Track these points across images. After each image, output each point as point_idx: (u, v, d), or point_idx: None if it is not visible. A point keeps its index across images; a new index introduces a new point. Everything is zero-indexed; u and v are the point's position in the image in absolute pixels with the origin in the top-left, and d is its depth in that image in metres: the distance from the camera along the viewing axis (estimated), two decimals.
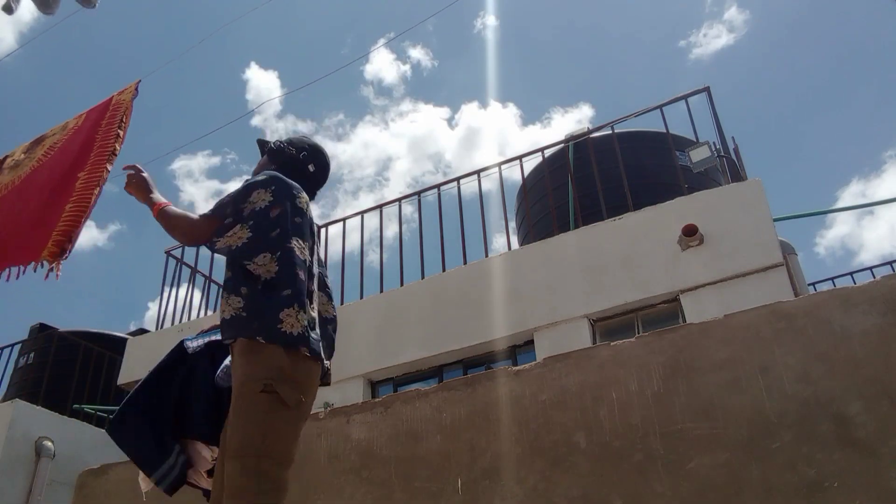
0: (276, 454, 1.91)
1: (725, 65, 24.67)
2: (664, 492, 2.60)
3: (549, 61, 27.34)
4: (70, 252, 2.44)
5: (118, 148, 2.66)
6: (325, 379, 2.21)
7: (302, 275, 2.00)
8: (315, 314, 2.09)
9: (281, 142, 2.33)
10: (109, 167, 2.61)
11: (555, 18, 24.99)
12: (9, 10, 5.27)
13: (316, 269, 2.18)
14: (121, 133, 2.71)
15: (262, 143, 2.40)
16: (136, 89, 2.86)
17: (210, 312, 7.12)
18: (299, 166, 2.29)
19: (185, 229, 2.03)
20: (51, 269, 2.48)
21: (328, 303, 2.28)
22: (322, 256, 2.35)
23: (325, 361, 2.08)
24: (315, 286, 2.14)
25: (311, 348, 1.98)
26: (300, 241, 2.05)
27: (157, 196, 2.14)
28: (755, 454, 2.52)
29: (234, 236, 2.00)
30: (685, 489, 2.57)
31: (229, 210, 2.03)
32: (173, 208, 2.09)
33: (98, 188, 2.52)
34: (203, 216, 2.04)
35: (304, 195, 2.20)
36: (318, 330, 2.09)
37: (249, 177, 2.17)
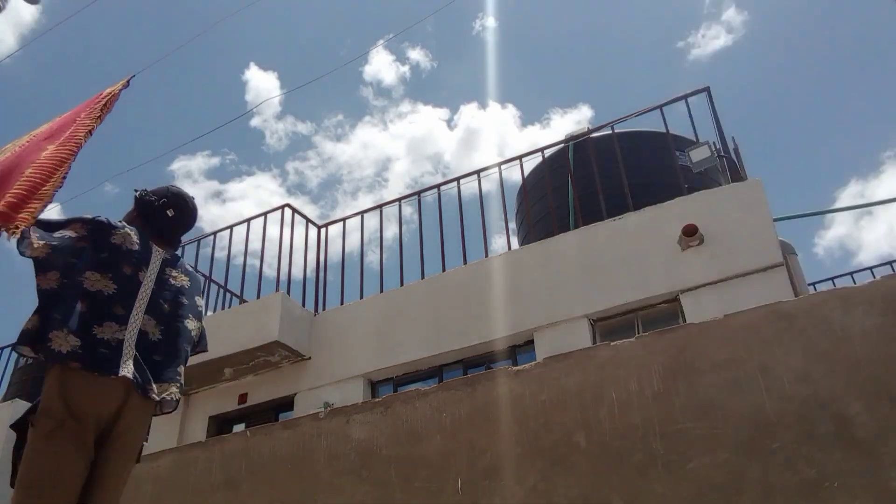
0: (35, 486, 2.02)
1: (724, 66, 24.65)
2: (664, 492, 2.60)
3: (549, 62, 27.30)
4: (29, 220, 2.30)
5: (95, 126, 2.62)
6: (146, 395, 2.24)
7: (81, 306, 2.17)
8: (122, 336, 2.22)
9: (145, 190, 2.61)
10: (84, 141, 2.56)
11: (553, 20, 24.96)
12: None
13: (143, 293, 2.36)
14: (101, 113, 2.68)
15: (135, 192, 2.66)
16: (129, 82, 2.85)
17: (209, 312, 7.12)
18: (158, 212, 2.58)
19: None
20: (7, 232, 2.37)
21: (156, 326, 2.38)
22: (174, 280, 2.55)
23: (122, 373, 2.16)
24: (129, 311, 2.29)
25: (85, 362, 2.09)
26: (98, 274, 2.26)
27: None
28: (755, 454, 2.52)
29: (38, 249, 2.20)
30: (685, 489, 2.57)
31: (39, 227, 2.24)
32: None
33: (68, 162, 2.47)
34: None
35: (125, 232, 2.41)
36: (126, 350, 2.21)
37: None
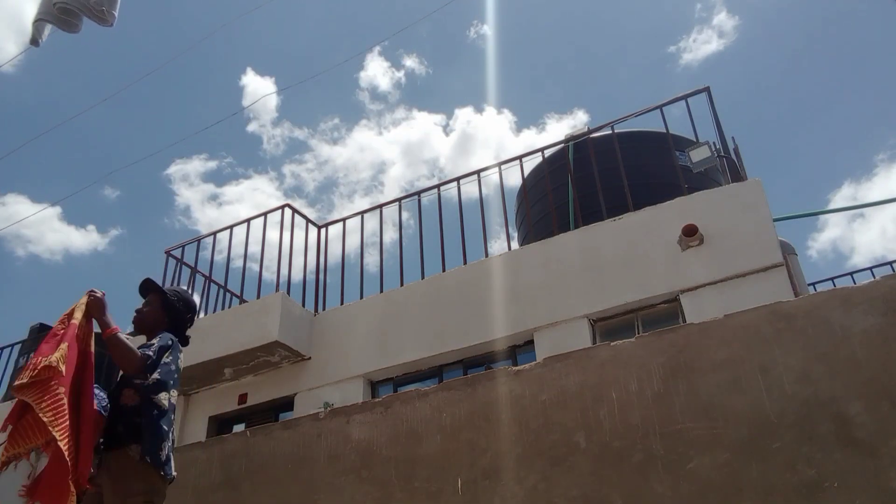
0: None
1: (716, 70, 24.69)
2: (664, 492, 2.60)
3: (544, 68, 27.31)
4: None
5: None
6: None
7: (171, 416, 2.77)
8: (171, 438, 2.79)
9: (175, 300, 3.03)
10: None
11: (548, 25, 24.98)
12: (35, 43, 5.26)
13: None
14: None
15: (153, 287, 3.05)
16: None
17: (209, 313, 7.12)
18: (184, 319, 3.06)
19: (135, 361, 2.67)
20: None
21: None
22: None
23: (173, 473, 2.75)
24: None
25: (164, 471, 2.66)
26: (175, 391, 2.82)
27: (110, 320, 2.76)
28: (755, 454, 2.52)
29: (152, 379, 2.73)
30: (685, 489, 2.57)
31: (150, 362, 2.72)
32: (124, 336, 2.69)
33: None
34: (143, 357, 2.70)
35: (182, 355, 2.93)
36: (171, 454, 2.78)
37: (165, 336, 2.86)
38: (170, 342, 2.84)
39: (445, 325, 5.74)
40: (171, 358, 2.80)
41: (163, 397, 2.72)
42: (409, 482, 3.10)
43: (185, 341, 3.04)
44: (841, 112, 22.81)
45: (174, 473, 2.74)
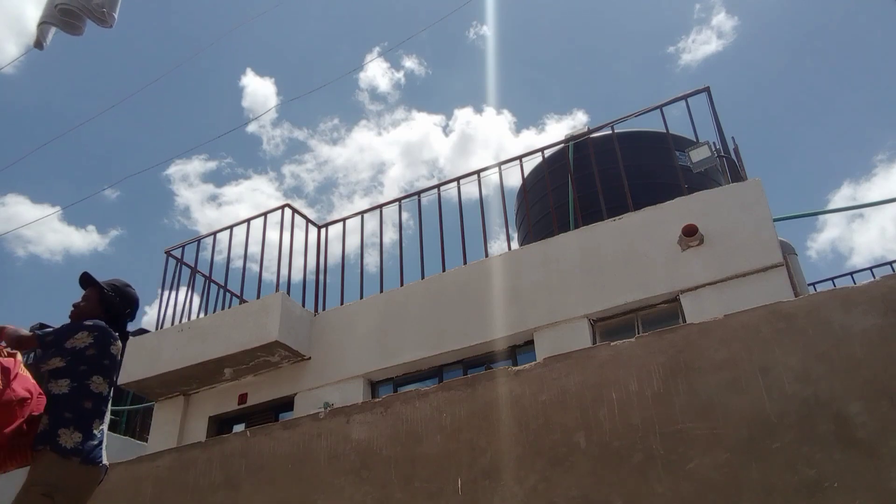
0: None
1: (715, 71, 24.76)
2: (664, 492, 2.60)
3: (544, 68, 27.37)
4: None
5: None
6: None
7: (89, 404, 2.70)
8: (104, 427, 2.76)
9: (112, 293, 3.00)
10: None
11: (548, 25, 25.03)
12: (39, 46, 5.28)
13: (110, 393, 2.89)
14: None
15: (91, 281, 3.02)
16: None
17: (209, 313, 7.12)
18: (121, 314, 3.02)
19: (24, 339, 2.67)
20: None
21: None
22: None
23: (105, 462, 2.71)
24: (107, 407, 2.83)
25: (84, 458, 2.60)
26: (100, 378, 2.77)
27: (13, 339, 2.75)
28: (755, 454, 2.52)
29: (52, 364, 2.71)
30: (685, 489, 2.57)
31: (50, 340, 2.71)
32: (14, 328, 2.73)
33: None
34: (31, 336, 2.69)
35: (119, 344, 2.90)
36: (102, 439, 2.73)
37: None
38: (89, 326, 2.78)
39: (445, 326, 5.74)
40: (89, 344, 2.73)
41: (63, 383, 2.68)
42: (409, 482, 3.11)
43: (123, 335, 2.98)
44: (840, 112, 22.86)
45: (104, 462, 2.68)
